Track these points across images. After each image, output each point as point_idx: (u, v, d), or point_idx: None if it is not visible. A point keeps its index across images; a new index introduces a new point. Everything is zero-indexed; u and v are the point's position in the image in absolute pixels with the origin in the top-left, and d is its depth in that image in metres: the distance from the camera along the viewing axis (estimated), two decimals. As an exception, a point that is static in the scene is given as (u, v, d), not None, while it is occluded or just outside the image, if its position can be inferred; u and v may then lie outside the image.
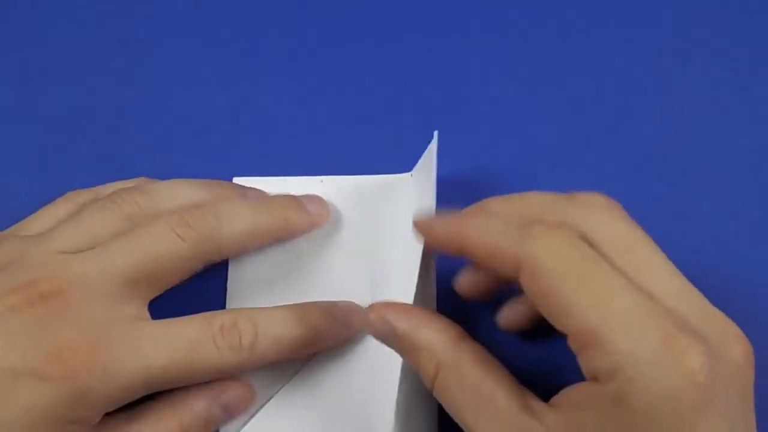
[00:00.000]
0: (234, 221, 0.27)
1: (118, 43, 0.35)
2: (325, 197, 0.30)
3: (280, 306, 0.27)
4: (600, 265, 0.21)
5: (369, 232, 0.30)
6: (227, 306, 0.29)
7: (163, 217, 0.26)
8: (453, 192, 0.31)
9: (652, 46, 0.34)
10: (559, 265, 0.21)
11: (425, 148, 0.32)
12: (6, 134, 0.33)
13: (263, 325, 0.26)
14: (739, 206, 0.31)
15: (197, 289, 0.29)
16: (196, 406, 0.26)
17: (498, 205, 0.25)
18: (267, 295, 0.29)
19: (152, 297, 0.26)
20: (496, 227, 0.23)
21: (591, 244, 0.21)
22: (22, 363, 0.22)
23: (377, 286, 0.29)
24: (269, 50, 0.34)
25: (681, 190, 0.31)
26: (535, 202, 0.24)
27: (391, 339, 0.24)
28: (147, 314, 0.26)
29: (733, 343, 0.21)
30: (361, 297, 0.29)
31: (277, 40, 0.34)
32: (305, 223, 0.29)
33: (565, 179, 0.31)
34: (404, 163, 0.31)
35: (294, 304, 0.27)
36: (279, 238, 0.29)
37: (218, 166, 0.31)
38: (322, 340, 0.27)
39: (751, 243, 0.30)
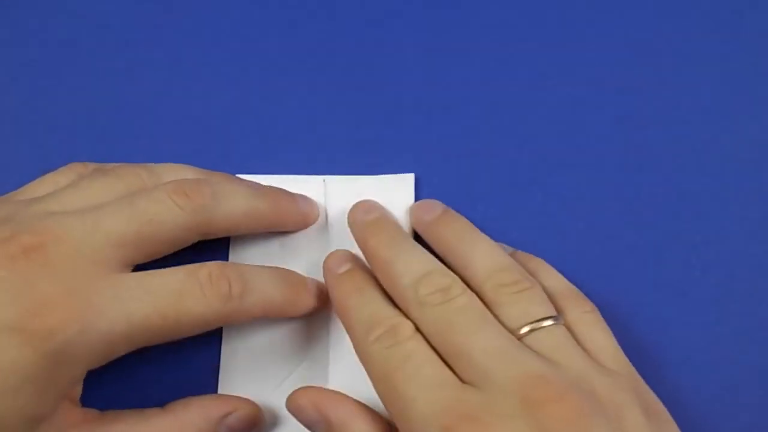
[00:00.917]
0: (230, 198, 0.27)
1: (118, 43, 0.35)
2: (327, 197, 0.30)
3: (265, 266, 0.27)
4: (409, 366, 0.23)
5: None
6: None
7: (159, 185, 0.26)
8: (454, 190, 0.31)
9: (652, 46, 0.34)
10: (377, 371, 0.24)
11: (425, 148, 0.32)
12: (6, 134, 0.33)
13: (252, 277, 0.26)
14: (739, 206, 0.31)
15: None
16: (202, 422, 0.26)
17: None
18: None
19: (139, 262, 0.25)
20: (358, 318, 0.25)
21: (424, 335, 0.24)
22: (1, 323, 0.22)
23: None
24: (271, 49, 0.34)
25: (681, 190, 0.31)
26: (406, 282, 0.26)
27: (320, 426, 0.25)
28: (129, 271, 0.25)
29: (550, 408, 0.21)
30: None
31: (278, 40, 0.34)
32: (297, 217, 0.29)
33: (564, 179, 0.31)
34: (404, 163, 0.31)
35: (281, 269, 0.28)
36: (271, 225, 0.29)
37: (220, 166, 0.31)
38: (303, 305, 0.27)
39: (751, 243, 0.30)
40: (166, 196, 0.25)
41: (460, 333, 0.24)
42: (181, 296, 0.24)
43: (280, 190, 0.30)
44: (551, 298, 0.26)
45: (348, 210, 0.30)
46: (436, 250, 0.28)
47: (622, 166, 0.32)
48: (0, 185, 0.32)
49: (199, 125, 0.33)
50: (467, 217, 0.31)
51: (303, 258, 0.30)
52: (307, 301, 0.28)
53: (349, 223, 0.29)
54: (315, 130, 0.33)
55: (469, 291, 0.25)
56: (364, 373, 0.27)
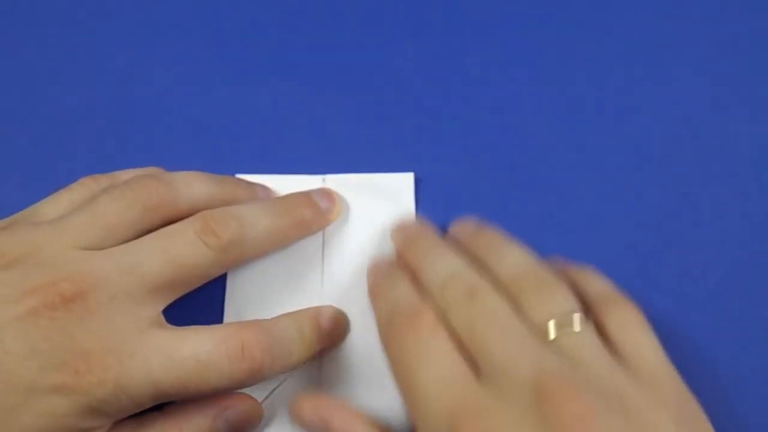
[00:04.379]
0: (255, 227, 0.27)
1: (117, 43, 0.35)
2: None
3: (283, 318, 0.27)
4: (425, 357, 0.24)
5: (370, 231, 0.30)
6: (226, 304, 0.29)
7: (187, 222, 0.26)
8: (454, 189, 0.31)
9: (652, 46, 0.34)
10: (394, 355, 0.25)
11: (425, 148, 0.32)
12: (6, 134, 0.33)
13: (284, 344, 0.26)
14: (739, 206, 0.31)
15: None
16: (200, 420, 0.26)
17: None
18: (266, 293, 0.29)
19: (171, 301, 0.26)
20: (382, 303, 0.26)
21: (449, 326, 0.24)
22: (39, 374, 0.22)
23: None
24: (271, 50, 0.34)
25: (681, 190, 0.31)
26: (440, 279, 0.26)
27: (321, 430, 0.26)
28: (162, 318, 0.25)
29: (562, 406, 0.21)
30: (361, 298, 0.29)
31: (279, 40, 0.35)
32: (319, 220, 0.30)
33: (564, 178, 0.31)
34: (404, 163, 0.31)
35: (292, 315, 0.28)
36: (297, 237, 0.29)
37: (220, 166, 0.31)
38: (311, 354, 0.28)
39: (751, 243, 0.30)
40: (196, 236, 0.26)
41: (485, 335, 0.24)
42: (205, 369, 0.24)
43: (300, 196, 0.30)
44: (592, 302, 0.26)
45: (347, 207, 0.30)
46: None
47: (622, 166, 0.32)
48: (1, 185, 0.32)
49: (199, 125, 0.33)
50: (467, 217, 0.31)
51: (301, 256, 0.30)
52: (316, 351, 0.28)
53: (391, 235, 0.30)
54: (315, 130, 0.33)
55: (495, 292, 0.25)
56: (354, 374, 0.28)
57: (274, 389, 0.28)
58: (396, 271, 0.28)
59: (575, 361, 0.23)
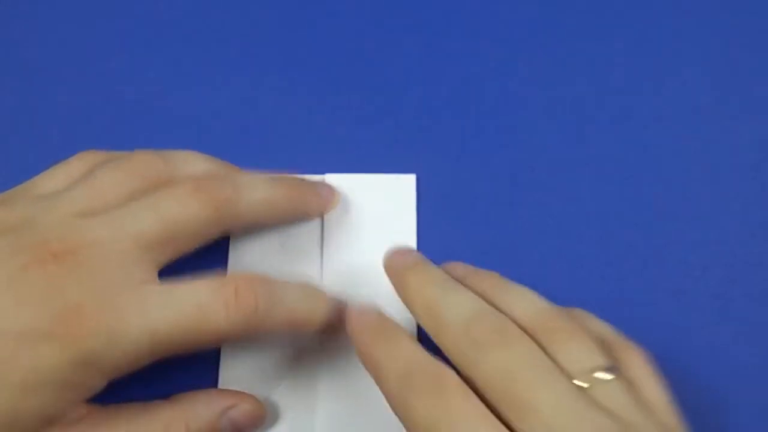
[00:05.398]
0: (251, 190, 0.27)
1: (117, 43, 0.35)
2: None
3: (292, 282, 0.26)
4: (459, 420, 0.21)
5: (370, 231, 0.30)
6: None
7: (180, 182, 0.26)
8: (454, 190, 0.31)
9: (652, 46, 0.34)
10: (421, 424, 0.22)
11: (425, 147, 0.32)
12: (6, 134, 0.33)
13: (279, 292, 0.25)
14: (739, 206, 0.31)
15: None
16: (206, 413, 0.26)
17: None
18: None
19: (165, 262, 0.25)
20: (390, 368, 0.23)
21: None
22: (29, 324, 0.22)
23: (376, 287, 0.29)
24: (271, 49, 0.34)
25: (681, 189, 0.31)
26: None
27: None
28: (156, 278, 0.25)
29: None
30: (360, 300, 0.29)
31: (279, 39, 0.35)
32: (317, 201, 0.29)
33: (565, 179, 0.31)
34: (405, 163, 0.31)
35: (302, 283, 0.27)
36: (294, 214, 0.29)
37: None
38: (320, 321, 0.27)
39: (751, 243, 0.30)
40: (188, 194, 0.25)
41: (527, 387, 0.21)
42: (204, 313, 0.24)
43: (298, 177, 0.30)
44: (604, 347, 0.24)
45: (347, 208, 0.30)
46: None
47: (622, 166, 0.32)
48: (1, 185, 0.32)
49: (199, 124, 0.33)
50: (468, 217, 0.31)
51: (301, 257, 0.30)
52: (324, 317, 0.27)
53: (384, 265, 0.27)
54: (316, 129, 0.33)
55: (526, 335, 0.23)
56: (354, 374, 0.27)
57: (275, 389, 0.28)
58: (391, 322, 0.25)
59: (618, 416, 0.21)
